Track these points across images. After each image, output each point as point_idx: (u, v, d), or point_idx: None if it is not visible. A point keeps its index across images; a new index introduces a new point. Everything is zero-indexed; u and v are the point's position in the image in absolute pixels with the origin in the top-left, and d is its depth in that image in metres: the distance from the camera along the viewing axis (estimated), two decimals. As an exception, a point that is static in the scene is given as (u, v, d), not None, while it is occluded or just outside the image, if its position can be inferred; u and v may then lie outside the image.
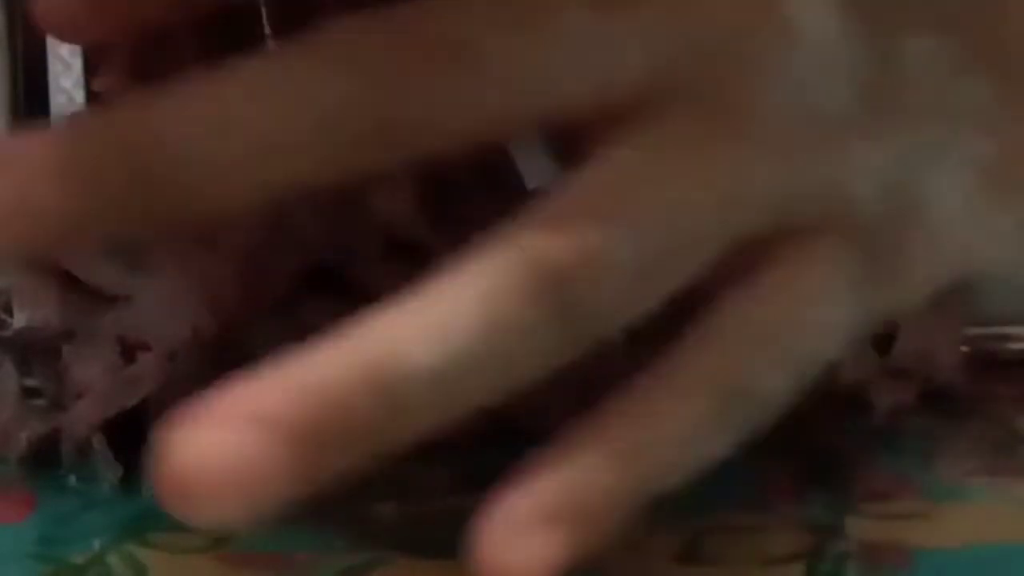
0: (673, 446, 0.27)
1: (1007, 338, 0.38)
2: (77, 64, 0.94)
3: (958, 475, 0.32)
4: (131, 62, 0.31)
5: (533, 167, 0.34)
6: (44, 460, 0.32)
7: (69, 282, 0.33)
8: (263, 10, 0.30)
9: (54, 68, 0.90)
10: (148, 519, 0.30)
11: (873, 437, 0.34)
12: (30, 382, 0.33)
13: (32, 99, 0.42)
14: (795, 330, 0.27)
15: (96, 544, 0.30)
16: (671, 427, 0.26)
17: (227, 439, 0.22)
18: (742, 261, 0.27)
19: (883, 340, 0.35)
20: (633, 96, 0.26)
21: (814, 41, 0.27)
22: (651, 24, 0.26)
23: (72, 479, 0.32)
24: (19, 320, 0.32)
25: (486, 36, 0.25)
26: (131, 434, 0.32)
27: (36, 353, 0.33)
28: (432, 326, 0.24)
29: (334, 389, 0.23)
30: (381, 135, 0.25)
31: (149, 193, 0.23)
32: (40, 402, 0.33)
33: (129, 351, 0.32)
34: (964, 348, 0.37)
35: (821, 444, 0.34)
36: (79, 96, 0.92)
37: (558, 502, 0.26)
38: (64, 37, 0.28)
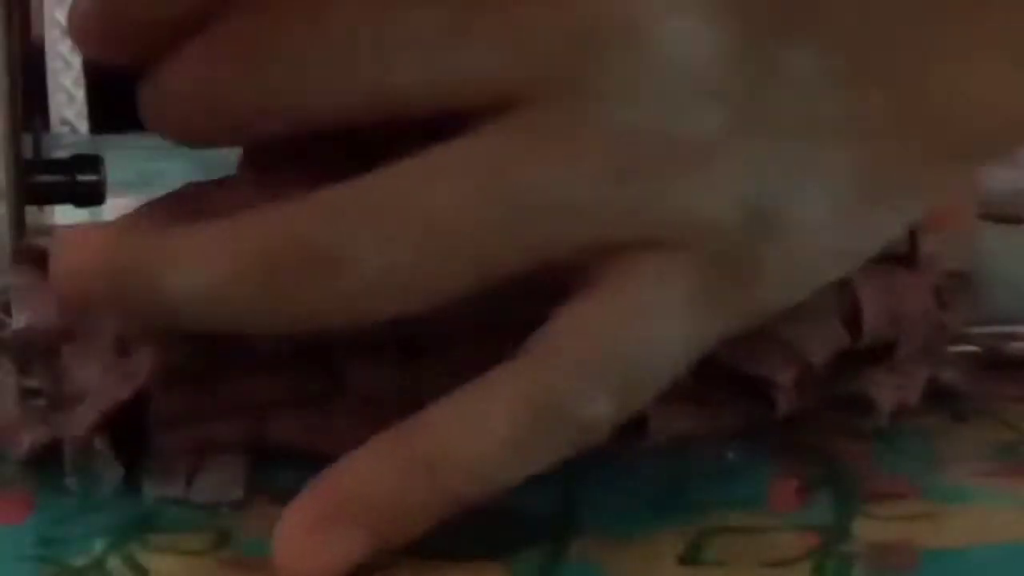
0: (479, 459, 0.27)
1: (1012, 337, 0.38)
2: (77, 62, 0.94)
3: (963, 476, 0.32)
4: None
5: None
6: (45, 461, 0.32)
7: None
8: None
9: (54, 65, 0.90)
10: (149, 521, 0.30)
11: (878, 438, 0.34)
12: (30, 383, 0.33)
13: (31, 97, 0.41)
14: (619, 348, 0.28)
15: (96, 546, 0.29)
16: (477, 440, 0.27)
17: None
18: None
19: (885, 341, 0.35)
20: (473, 101, 0.27)
21: (681, 64, 0.27)
22: (503, 34, 0.27)
23: (72, 480, 0.32)
24: (18, 321, 0.32)
25: (337, 19, 0.27)
26: (132, 435, 0.32)
27: (35, 354, 0.32)
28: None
29: None
30: (260, 103, 0.28)
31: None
32: (39, 403, 0.32)
33: (128, 350, 0.32)
34: (968, 348, 0.37)
35: (826, 445, 0.34)
36: (79, 94, 0.92)
37: (352, 503, 0.27)
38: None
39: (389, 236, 0.27)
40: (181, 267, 0.28)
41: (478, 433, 0.27)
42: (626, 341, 0.28)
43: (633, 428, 0.33)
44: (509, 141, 0.27)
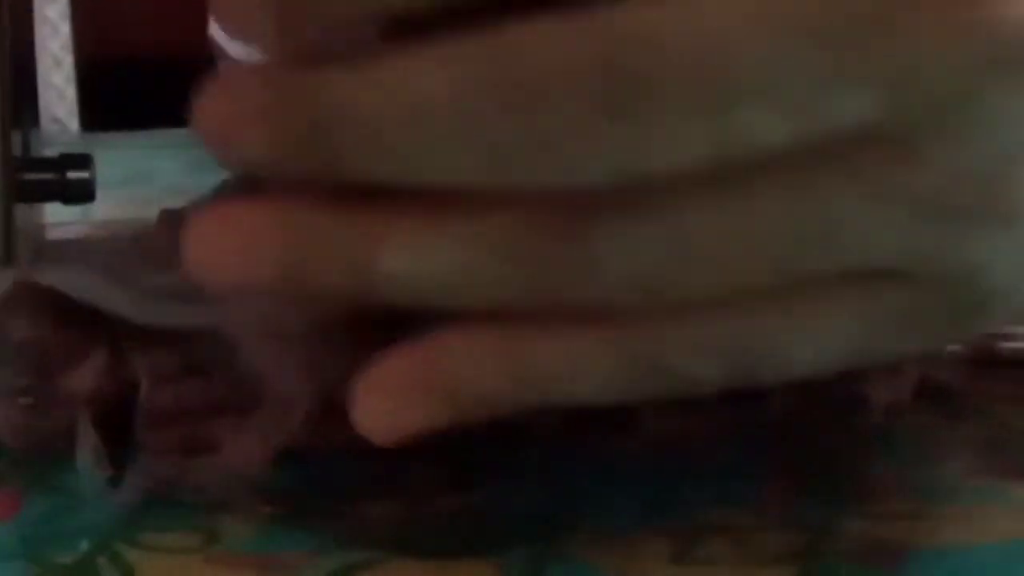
0: (578, 383, 0.26)
1: (1005, 336, 0.38)
2: (67, 60, 0.94)
3: (954, 475, 0.32)
4: None
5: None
6: (33, 459, 0.32)
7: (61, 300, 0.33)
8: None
9: (44, 63, 0.90)
10: (136, 519, 0.30)
11: (869, 436, 0.34)
12: (19, 381, 0.33)
13: (21, 95, 0.41)
14: (758, 336, 0.26)
15: (84, 544, 0.29)
16: (581, 371, 0.26)
17: None
18: None
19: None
20: (821, 139, 0.24)
21: None
22: (882, 68, 0.24)
23: (60, 478, 0.32)
24: (17, 330, 0.32)
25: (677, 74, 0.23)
26: (120, 434, 0.32)
27: (29, 359, 0.32)
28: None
29: None
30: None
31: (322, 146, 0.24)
32: (28, 400, 0.32)
33: (123, 356, 0.32)
34: (961, 346, 0.37)
35: (816, 443, 0.34)
36: (69, 92, 0.92)
37: (442, 377, 0.26)
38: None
39: (637, 243, 0.25)
40: (399, 246, 0.25)
41: (583, 365, 0.26)
42: (769, 333, 0.26)
43: (625, 427, 0.33)
44: (823, 167, 0.25)
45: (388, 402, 0.26)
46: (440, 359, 0.26)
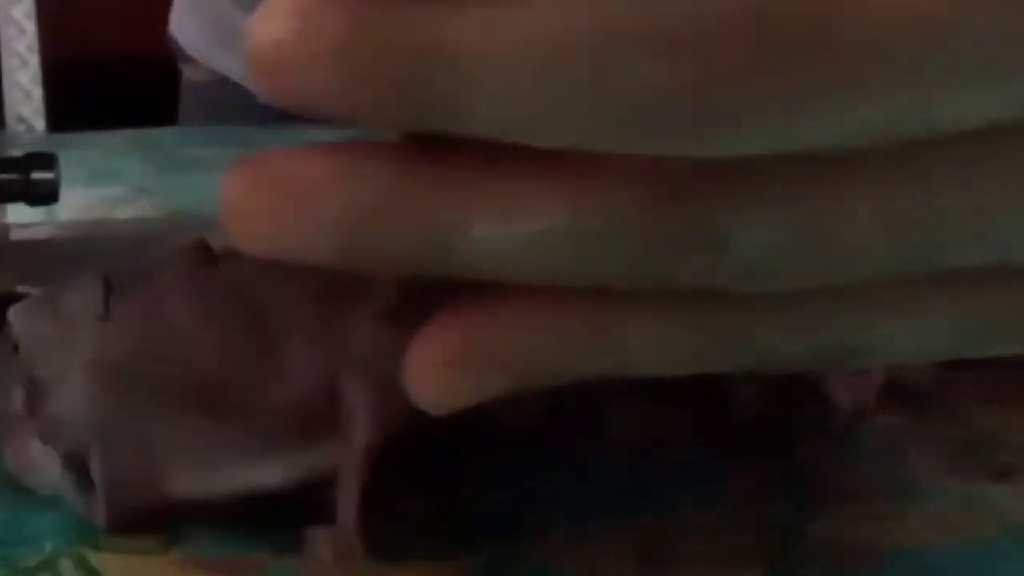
0: (642, 353, 0.24)
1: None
2: (34, 60, 0.94)
3: (922, 475, 0.32)
4: None
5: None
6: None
7: None
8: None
9: (10, 63, 0.90)
10: (100, 521, 0.30)
11: (836, 437, 0.34)
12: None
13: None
14: (851, 325, 0.24)
15: (47, 547, 0.29)
16: (648, 335, 0.24)
17: None
18: None
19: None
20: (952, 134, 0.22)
21: None
22: None
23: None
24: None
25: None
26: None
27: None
28: None
29: None
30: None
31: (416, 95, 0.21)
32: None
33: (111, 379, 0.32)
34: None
35: (785, 445, 0.34)
36: (36, 92, 0.91)
37: (491, 349, 0.24)
38: None
39: (773, 229, 0.22)
40: (495, 210, 0.22)
41: (666, 340, 0.24)
42: (876, 324, 0.24)
43: (592, 428, 0.33)
44: (989, 159, 0.22)
45: (445, 372, 0.24)
46: (502, 327, 0.24)
